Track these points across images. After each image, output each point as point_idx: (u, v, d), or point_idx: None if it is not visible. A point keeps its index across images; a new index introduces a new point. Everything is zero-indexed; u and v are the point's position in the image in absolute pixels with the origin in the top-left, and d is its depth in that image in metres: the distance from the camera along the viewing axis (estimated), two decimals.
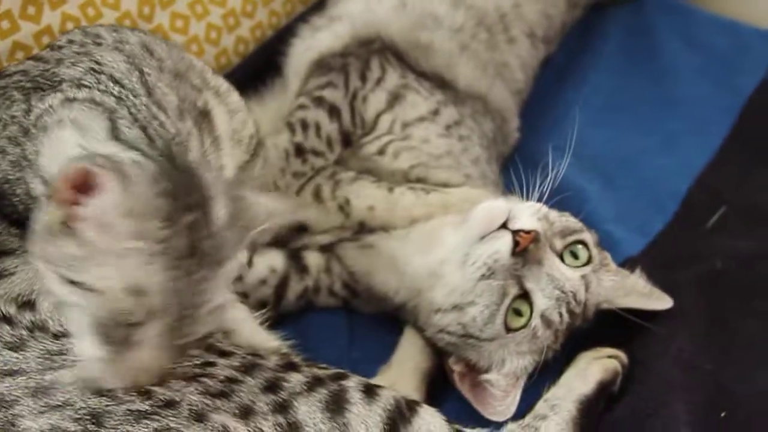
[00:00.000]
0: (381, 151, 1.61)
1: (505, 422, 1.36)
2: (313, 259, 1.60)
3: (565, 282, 1.37)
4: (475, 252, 1.38)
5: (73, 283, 1.07)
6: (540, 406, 1.37)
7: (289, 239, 1.60)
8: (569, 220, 1.45)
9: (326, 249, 1.60)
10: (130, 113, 1.23)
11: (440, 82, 1.73)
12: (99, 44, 1.40)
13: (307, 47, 1.83)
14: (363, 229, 1.58)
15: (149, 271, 1.07)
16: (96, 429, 1.13)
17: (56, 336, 1.21)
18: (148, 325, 1.09)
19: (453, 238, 1.45)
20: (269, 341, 1.36)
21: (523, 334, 1.37)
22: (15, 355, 1.18)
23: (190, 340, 1.14)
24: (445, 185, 1.59)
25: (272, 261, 1.58)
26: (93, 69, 1.30)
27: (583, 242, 1.43)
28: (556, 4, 1.98)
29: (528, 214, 1.39)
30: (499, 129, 1.78)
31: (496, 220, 1.38)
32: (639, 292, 1.48)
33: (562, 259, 1.41)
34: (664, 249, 1.63)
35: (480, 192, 1.58)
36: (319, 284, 1.59)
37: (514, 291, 1.37)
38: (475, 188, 1.60)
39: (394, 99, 1.66)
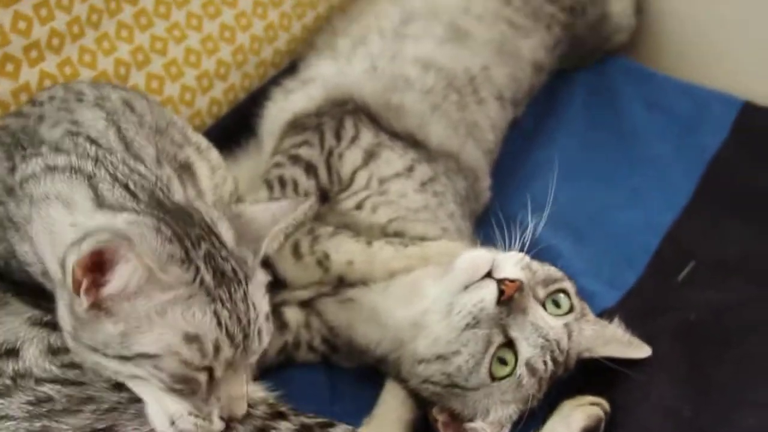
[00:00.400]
0: (359, 206, 1.63)
1: None
2: (293, 315, 1.60)
3: (549, 330, 1.39)
4: (460, 301, 1.39)
5: (129, 358, 1.09)
6: None
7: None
8: (551, 269, 1.47)
9: (305, 305, 1.60)
10: (109, 173, 1.24)
11: (413, 142, 1.76)
12: (81, 101, 1.42)
13: (281, 109, 1.85)
14: (342, 283, 1.58)
15: (194, 315, 1.10)
16: None
17: (39, 381, 1.21)
18: (218, 360, 1.11)
19: (435, 289, 1.46)
20: (255, 392, 1.35)
21: (508, 383, 1.38)
22: (1, 401, 1.18)
23: (261, 352, 1.19)
24: (423, 239, 1.60)
25: None
26: (70, 131, 1.31)
27: (564, 291, 1.45)
28: (523, 68, 2.02)
29: (512, 263, 1.41)
30: (471, 187, 1.81)
31: (481, 270, 1.40)
32: (618, 341, 1.50)
33: (545, 308, 1.42)
34: (637, 301, 1.66)
35: (458, 245, 1.59)
36: (298, 339, 1.59)
37: (498, 340, 1.38)
38: (452, 241, 1.61)
39: (370, 156, 1.68)
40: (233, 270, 1.15)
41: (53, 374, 1.22)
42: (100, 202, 1.18)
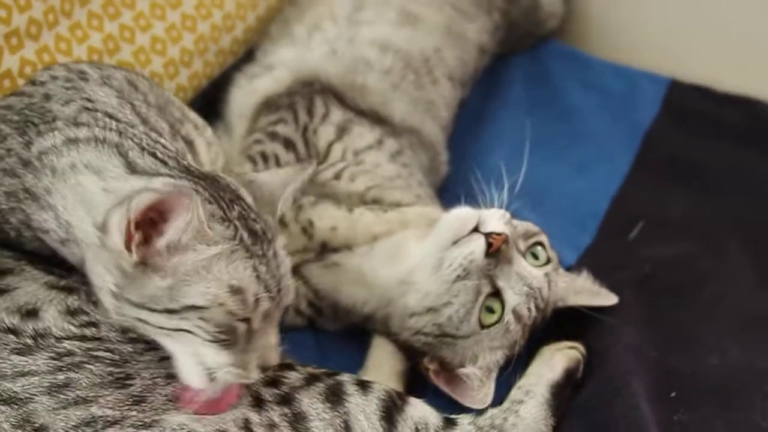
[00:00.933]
0: (337, 176, 1.71)
1: (486, 409, 1.46)
2: None
3: (532, 280, 1.50)
4: (450, 255, 1.49)
5: (176, 311, 1.14)
6: (515, 393, 1.48)
7: None
8: (529, 224, 1.58)
9: (291, 271, 1.68)
10: (136, 144, 1.28)
11: (377, 119, 1.86)
12: (86, 80, 1.45)
13: (248, 92, 1.94)
14: (325, 249, 1.66)
15: (236, 268, 1.16)
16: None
17: (59, 339, 1.25)
18: (257, 311, 1.18)
19: (420, 249, 1.55)
20: None
21: (496, 329, 1.49)
22: (23, 358, 1.22)
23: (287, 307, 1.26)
24: (398, 205, 1.70)
25: None
26: (86, 107, 1.35)
27: (542, 244, 1.56)
28: (469, 51, 2.14)
29: (496, 218, 1.51)
30: (432, 160, 1.92)
31: (468, 225, 1.50)
32: (588, 291, 1.62)
33: (525, 260, 1.53)
34: (595, 259, 1.76)
35: (432, 209, 1.69)
36: None
37: (487, 290, 1.48)
38: (426, 206, 1.72)
39: (342, 131, 1.77)
40: (262, 230, 1.23)
41: (72, 333, 1.26)
42: (132, 169, 1.23)
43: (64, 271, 1.34)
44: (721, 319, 1.66)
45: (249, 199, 1.25)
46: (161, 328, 1.17)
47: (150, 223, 1.13)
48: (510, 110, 2.22)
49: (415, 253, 1.57)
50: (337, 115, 1.81)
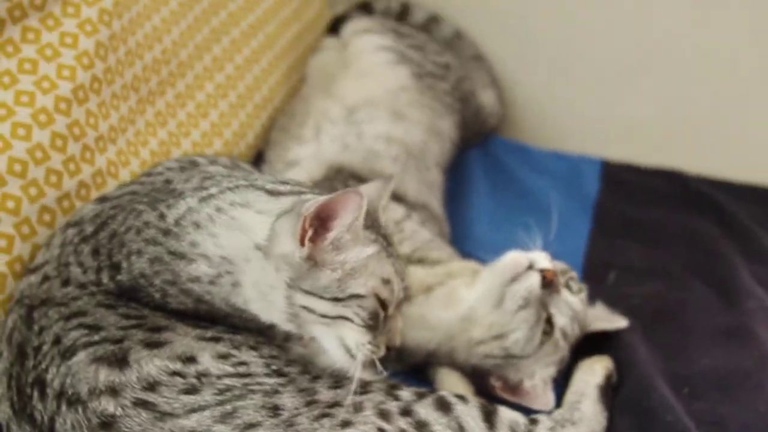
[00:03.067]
0: None
1: (551, 411, 1.75)
2: None
3: (574, 305, 1.84)
4: (512, 290, 1.80)
5: (341, 299, 1.44)
6: (570, 396, 1.78)
7: None
8: (562, 263, 1.92)
9: None
10: (263, 179, 1.57)
11: (396, 197, 2.18)
12: (197, 164, 1.72)
13: None
14: None
15: (384, 265, 1.48)
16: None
17: (219, 377, 1.46)
18: (394, 300, 1.49)
19: (473, 291, 1.87)
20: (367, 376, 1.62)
21: (549, 346, 1.81)
22: (192, 397, 1.41)
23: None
24: (438, 262, 2.01)
25: None
26: (206, 177, 1.60)
27: (574, 279, 1.90)
28: (445, 142, 2.52)
29: (543, 257, 1.85)
30: (440, 230, 2.25)
31: (523, 264, 1.82)
32: (606, 318, 1.97)
33: None
34: (591, 299, 2.06)
35: (469, 263, 2.02)
36: None
37: (543, 315, 1.80)
38: (461, 261, 2.05)
39: None
40: (386, 234, 1.55)
41: (228, 371, 1.47)
42: (275, 194, 1.51)
43: (208, 323, 1.56)
44: (702, 333, 2.04)
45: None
46: (323, 316, 1.45)
47: (318, 222, 1.42)
48: (477, 193, 2.58)
49: (468, 296, 1.87)
50: None
